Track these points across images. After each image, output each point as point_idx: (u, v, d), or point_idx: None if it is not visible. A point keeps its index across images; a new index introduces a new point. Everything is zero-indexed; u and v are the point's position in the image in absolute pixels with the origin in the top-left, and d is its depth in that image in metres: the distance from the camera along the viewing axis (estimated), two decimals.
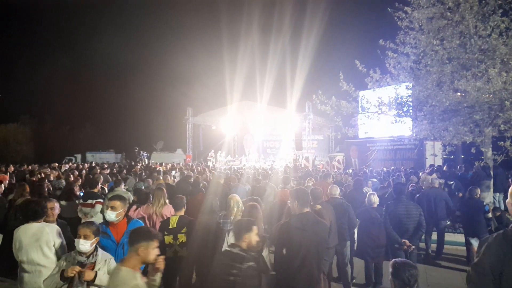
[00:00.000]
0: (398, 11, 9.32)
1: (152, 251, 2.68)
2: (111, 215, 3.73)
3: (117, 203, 3.74)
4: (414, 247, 5.21)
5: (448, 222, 7.89)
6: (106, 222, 3.82)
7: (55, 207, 4.24)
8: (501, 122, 7.71)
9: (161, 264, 2.74)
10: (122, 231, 3.72)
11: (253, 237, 3.35)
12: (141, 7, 66.24)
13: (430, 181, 8.12)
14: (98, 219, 6.67)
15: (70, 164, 22.62)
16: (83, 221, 6.59)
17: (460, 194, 9.23)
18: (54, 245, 3.71)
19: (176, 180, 10.88)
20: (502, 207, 10.08)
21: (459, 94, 8.49)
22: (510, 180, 11.23)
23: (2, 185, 6.44)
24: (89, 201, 6.59)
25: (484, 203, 7.17)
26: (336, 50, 42.11)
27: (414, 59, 9.34)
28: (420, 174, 10.73)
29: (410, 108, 9.64)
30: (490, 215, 7.04)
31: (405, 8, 9.17)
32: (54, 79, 48.85)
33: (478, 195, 6.88)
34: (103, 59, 61.58)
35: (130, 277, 2.58)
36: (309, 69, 25.79)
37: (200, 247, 4.09)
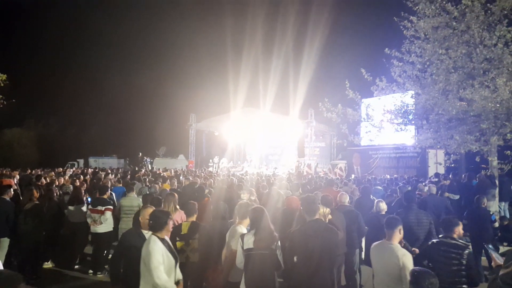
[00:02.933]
0: (403, 20, 9.41)
1: None
2: None
3: None
4: None
5: None
6: None
7: None
8: (508, 131, 7.75)
9: None
10: None
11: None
12: (146, 13, 66.77)
13: (428, 188, 8.15)
14: (108, 225, 6.73)
15: (74, 169, 22.69)
16: (91, 227, 6.64)
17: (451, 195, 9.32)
18: None
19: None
20: (508, 216, 10.09)
21: (464, 103, 8.54)
22: None
23: (11, 189, 6.49)
24: (99, 208, 6.63)
25: (490, 212, 7.19)
26: (340, 58, 42.35)
27: (420, 68, 9.40)
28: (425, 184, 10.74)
29: (415, 116, 9.69)
30: (497, 224, 7.06)
31: (411, 17, 9.25)
32: (59, 84, 49.13)
33: (485, 204, 6.91)
34: (107, 64, 61.92)
35: None
36: (312, 76, 25.94)
37: (212, 253, 4.12)
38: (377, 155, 21.75)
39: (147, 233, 3.76)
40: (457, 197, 9.58)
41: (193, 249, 4.24)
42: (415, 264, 3.56)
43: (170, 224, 3.74)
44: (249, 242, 3.86)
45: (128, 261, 3.81)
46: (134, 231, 4.05)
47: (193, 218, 4.45)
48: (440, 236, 4.12)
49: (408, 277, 3.04)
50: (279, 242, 3.95)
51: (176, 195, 5.42)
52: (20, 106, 43.65)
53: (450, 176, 11.22)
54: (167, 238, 3.73)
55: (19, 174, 14.17)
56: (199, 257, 4.21)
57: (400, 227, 3.77)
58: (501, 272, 2.57)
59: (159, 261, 3.41)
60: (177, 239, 4.28)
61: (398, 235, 3.72)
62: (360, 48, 41.32)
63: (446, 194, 9.74)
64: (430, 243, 4.17)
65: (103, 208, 6.60)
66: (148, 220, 3.64)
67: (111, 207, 6.76)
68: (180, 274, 3.73)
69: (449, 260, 3.75)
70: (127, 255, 3.83)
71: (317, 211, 3.94)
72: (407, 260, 3.46)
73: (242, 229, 4.15)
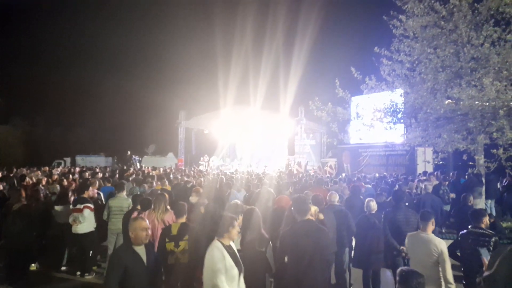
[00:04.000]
0: (393, 19, 9.46)
1: None
2: None
3: None
4: None
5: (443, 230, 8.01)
6: None
7: None
8: (494, 130, 7.86)
9: None
10: None
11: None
12: (133, 10, 65.94)
13: (424, 187, 8.24)
14: (88, 224, 6.58)
15: (61, 167, 22.34)
16: (73, 227, 6.49)
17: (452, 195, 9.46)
18: None
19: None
20: (494, 214, 10.28)
21: (451, 101, 8.64)
22: (500, 187, 11.47)
23: None
24: (78, 206, 6.49)
25: None
26: (330, 56, 42.46)
27: (409, 67, 9.47)
28: (416, 181, 10.86)
29: (404, 115, 9.77)
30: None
31: (400, 16, 9.31)
32: (46, 81, 48.19)
33: (471, 202, 7.00)
34: (94, 61, 60.94)
35: None
36: (302, 74, 25.96)
37: (202, 254, 4.07)
38: (366, 153, 21.89)
39: (140, 249, 3.44)
40: (452, 195, 9.69)
41: (183, 251, 4.20)
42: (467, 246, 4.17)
43: (236, 228, 3.47)
44: (236, 243, 3.81)
45: (123, 283, 3.29)
46: (126, 248, 3.52)
47: (183, 219, 4.41)
48: (469, 226, 4.47)
49: (446, 261, 3.77)
50: (270, 243, 3.93)
51: (166, 195, 5.37)
52: (6, 103, 42.88)
53: (437, 174, 11.35)
54: (232, 244, 3.55)
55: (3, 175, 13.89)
56: (188, 258, 4.16)
57: (433, 219, 4.26)
58: (484, 274, 2.60)
59: (220, 270, 3.22)
60: (167, 240, 4.23)
61: (431, 226, 4.20)
62: (350, 46, 41.54)
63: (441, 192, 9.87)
64: (460, 233, 4.56)
65: (82, 206, 6.45)
66: (212, 223, 3.44)
67: (91, 205, 6.61)
68: (244, 285, 3.45)
69: (478, 248, 4.09)
70: (122, 276, 3.27)
71: (308, 211, 3.95)
72: (444, 246, 3.98)
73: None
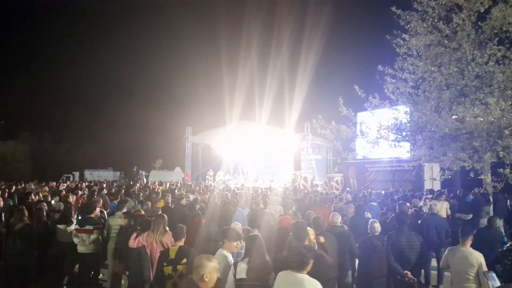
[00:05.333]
0: (396, 38, 9.51)
1: None
2: None
3: None
4: (415, 279, 5.15)
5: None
6: None
7: None
8: (500, 149, 7.77)
9: None
10: None
11: None
12: (140, 26, 67.28)
13: (429, 207, 8.07)
14: (96, 245, 6.57)
15: (68, 182, 22.50)
16: (78, 247, 6.47)
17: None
18: None
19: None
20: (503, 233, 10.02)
21: (456, 118, 8.58)
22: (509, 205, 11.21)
23: None
24: (87, 227, 6.49)
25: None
26: (336, 73, 42.60)
27: (412, 85, 9.47)
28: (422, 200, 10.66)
29: (409, 132, 9.71)
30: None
31: (404, 35, 9.36)
32: (54, 97, 49.18)
33: (498, 225, 6.61)
34: (102, 77, 62.07)
35: None
36: (308, 90, 26.10)
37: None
38: (373, 169, 21.72)
39: None
40: (469, 217, 9.38)
41: (181, 275, 4.14)
42: (489, 268, 4.40)
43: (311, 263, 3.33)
44: (241, 272, 3.72)
45: None
46: None
47: (181, 242, 4.37)
48: (508, 244, 4.84)
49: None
50: (273, 273, 3.81)
51: (165, 216, 5.33)
52: (14, 119, 43.66)
53: (445, 192, 11.16)
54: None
55: (13, 191, 14.01)
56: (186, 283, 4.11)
57: (472, 236, 4.76)
58: None
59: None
60: (165, 264, 4.19)
61: (470, 241, 4.69)
62: (355, 64, 41.69)
63: (457, 215, 9.61)
64: (500, 250, 4.90)
65: (92, 227, 6.45)
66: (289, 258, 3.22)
67: (101, 226, 6.64)
68: None
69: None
70: None
71: (306, 237, 3.90)
72: (482, 259, 4.48)
73: (227, 254, 4.04)
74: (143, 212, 6.45)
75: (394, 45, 9.58)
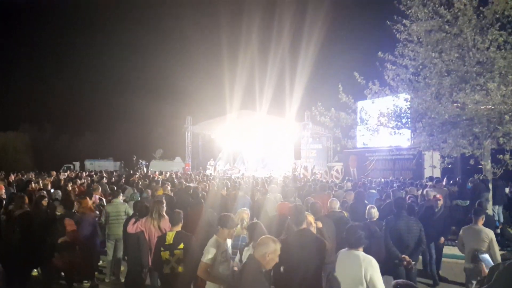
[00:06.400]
0: (397, 24, 9.37)
1: None
2: None
3: None
4: (414, 263, 5.16)
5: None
6: None
7: None
8: (500, 135, 7.71)
9: None
10: None
11: None
12: (141, 16, 66.68)
13: (426, 194, 8.08)
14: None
15: (69, 172, 22.55)
16: None
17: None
18: None
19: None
20: (502, 220, 10.06)
21: (456, 105, 8.51)
22: (508, 192, 11.23)
23: None
24: None
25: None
26: (336, 61, 42.42)
27: (413, 72, 9.36)
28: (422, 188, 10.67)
29: (409, 119, 9.65)
30: (498, 230, 6.96)
31: (404, 21, 9.21)
32: (55, 87, 49.04)
33: (486, 209, 6.80)
34: (103, 67, 61.78)
35: None
36: (308, 78, 25.98)
37: (197, 264, 4.03)
38: (373, 157, 21.69)
39: None
40: (467, 203, 9.46)
41: (178, 260, 4.16)
42: None
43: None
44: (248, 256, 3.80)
45: None
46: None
47: (178, 228, 4.37)
48: (500, 227, 5.10)
49: (495, 246, 4.79)
50: None
51: (163, 202, 5.35)
52: (15, 109, 43.61)
53: (444, 181, 11.16)
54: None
55: (13, 180, 14.07)
56: (184, 267, 4.13)
57: (484, 215, 5.24)
58: (483, 286, 2.54)
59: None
60: (162, 249, 4.20)
61: (482, 220, 5.13)
62: (355, 51, 41.45)
63: (455, 201, 9.66)
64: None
65: None
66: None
67: (97, 212, 6.70)
68: None
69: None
70: None
71: (304, 221, 3.89)
72: (492, 235, 4.93)
73: (219, 240, 4.02)
74: None
75: (394, 31, 9.44)
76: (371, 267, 3.32)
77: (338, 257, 3.61)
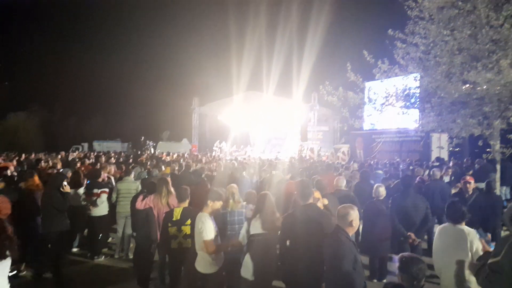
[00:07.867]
0: (408, 0, 9.11)
1: None
2: None
3: None
4: (419, 240, 5.19)
5: None
6: None
7: None
8: (511, 115, 7.57)
9: None
10: None
11: None
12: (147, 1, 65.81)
13: (432, 173, 8.02)
14: (103, 208, 6.77)
15: (77, 152, 22.82)
16: (90, 209, 6.70)
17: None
18: None
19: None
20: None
21: (468, 85, 8.33)
22: None
23: (9, 171, 6.53)
24: (95, 191, 6.68)
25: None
26: (344, 40, 41.52)
27: (423, 50, 9.13)
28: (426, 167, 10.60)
29: (418, 99, 9.50)
30: (504, 210, 6.89)
31: None
32: (64, 68, 49.06)
33: (495, 189, 6.70)
34: (111, 49, 61.55)
35: None
36: (315, 59, 25.50)
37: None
38: (380, 139, 21.55)
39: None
40: (482, 185, 9.33)
41: (186, 235, 4.22)
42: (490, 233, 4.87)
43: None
44: (256, 227, 4.03)
45: None
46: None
47: (185, 204, 4.42)
48: (507, 206, 4.72)
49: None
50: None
51: (168, 179, 5.42)
52: (24, 90, 43.86)
53: (451, 162, 11.07)
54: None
55: (23, 159, 14.29)
56: (191, 243, 4.19)
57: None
58: (490, 260, 2.51)
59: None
60: (169, 225, 4.26)
61: None
62: (364, 30, 40.56)
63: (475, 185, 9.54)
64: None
65: (99, 191, 6.66)
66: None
67: (107, 189, 6.82)
68: None
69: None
70: None
71: (311, 195, 3.91)
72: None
73: (206, 214, 4.06)
74: None
75: (405, 7, 9.18)
76: (476, 239, 3.50)
77: (439, 232, 3.77)
